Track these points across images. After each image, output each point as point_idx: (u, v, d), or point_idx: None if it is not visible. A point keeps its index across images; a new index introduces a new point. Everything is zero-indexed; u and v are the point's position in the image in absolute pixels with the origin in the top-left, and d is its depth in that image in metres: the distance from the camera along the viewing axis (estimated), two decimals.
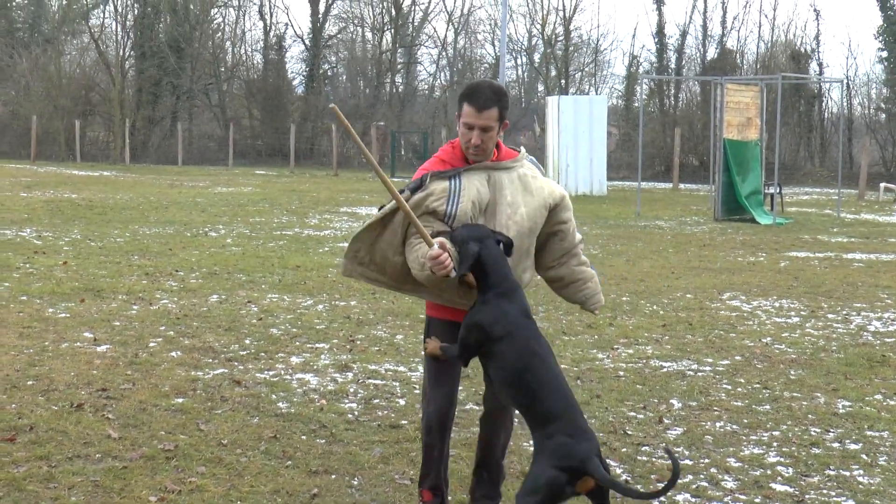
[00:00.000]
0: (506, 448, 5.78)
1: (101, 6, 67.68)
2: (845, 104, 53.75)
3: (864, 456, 6.91)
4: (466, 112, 5.07)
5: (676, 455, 5.33)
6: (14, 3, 68.43)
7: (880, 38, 53.30)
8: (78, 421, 7.16)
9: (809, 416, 7.84)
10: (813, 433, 7.39)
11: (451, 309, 5.27)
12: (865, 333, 11.17)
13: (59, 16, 67.97)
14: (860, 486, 6.34)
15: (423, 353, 5.51)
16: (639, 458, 6.77)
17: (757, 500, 6.03)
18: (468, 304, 5.09)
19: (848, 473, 6.55)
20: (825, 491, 6.23)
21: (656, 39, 61.45)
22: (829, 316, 12.15)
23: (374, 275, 5.28)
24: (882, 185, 40.47)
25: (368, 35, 68.45)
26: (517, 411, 5.12)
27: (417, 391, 8.21)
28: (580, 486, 4.48)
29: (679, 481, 6.28)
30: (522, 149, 5.43)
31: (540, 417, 4.64)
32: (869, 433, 7.42)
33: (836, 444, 7.15)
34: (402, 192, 4.99)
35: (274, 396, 8.00)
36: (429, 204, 5.03)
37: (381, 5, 66.77)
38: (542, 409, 4.65)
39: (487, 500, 5.62)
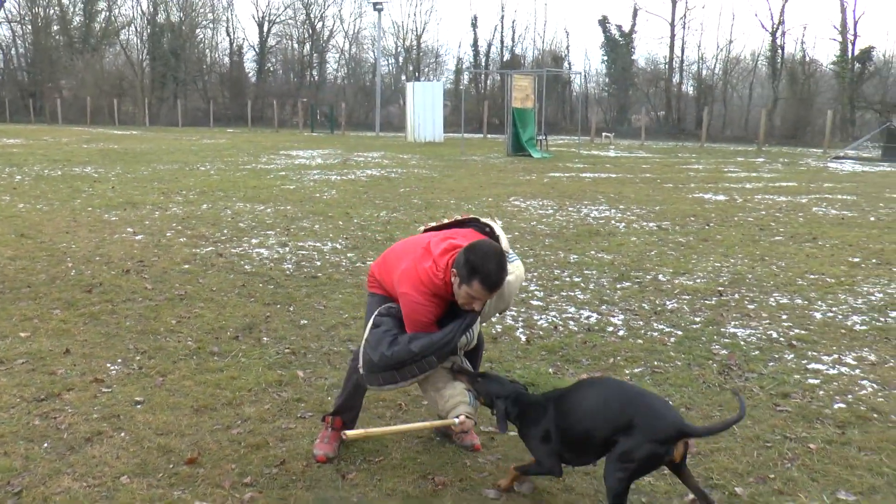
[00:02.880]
0: None
1: (127, 27, 65.08)
2: (583, 86, 55.65)
3: (581, 284, 7.32)
4: (478, 290, 3.30)
5: (742, 396, 4.02)
6: (71, 26, 64.95)
7: (602, 49, 55.51)
8: (127, 279, 7.18)
9: (555, 264, 8.22)
10: (555, 273, 7.78)
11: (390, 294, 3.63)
12: (588, 218, 11.61)
13: (100, 33, 64.97)
14: (578, 299, 6.75)
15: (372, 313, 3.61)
16: None
17: (523, 310, 6.38)
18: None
19: (573, 294, 6.95)
20: (560, 303, 6.61)
21: (473, 48, 61.25)
22: (570, 209, 12.56)
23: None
24: (603, 134, 41.55)
25: (295, 45, 66.39)
26: None
27: (330, 258, 8.38)
28: (677, 450, 2.98)
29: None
30: None
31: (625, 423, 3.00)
32: (586, 272, 7.83)
33: (567, 279, 7.54)
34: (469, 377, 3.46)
35: (242, 262, 8.07)
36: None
37: (302, 27, 65.08)
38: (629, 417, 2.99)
39: None
